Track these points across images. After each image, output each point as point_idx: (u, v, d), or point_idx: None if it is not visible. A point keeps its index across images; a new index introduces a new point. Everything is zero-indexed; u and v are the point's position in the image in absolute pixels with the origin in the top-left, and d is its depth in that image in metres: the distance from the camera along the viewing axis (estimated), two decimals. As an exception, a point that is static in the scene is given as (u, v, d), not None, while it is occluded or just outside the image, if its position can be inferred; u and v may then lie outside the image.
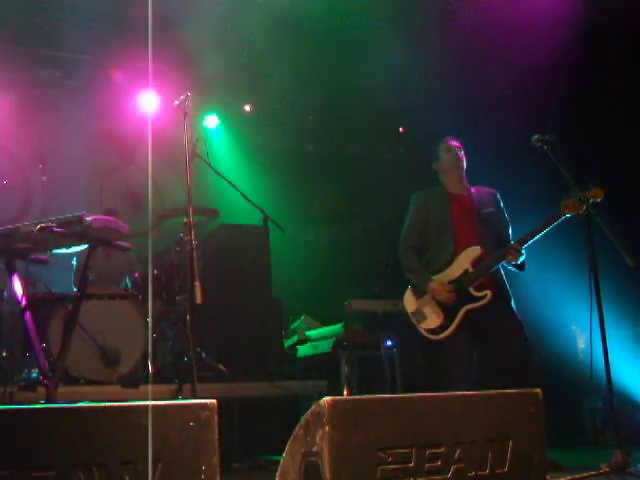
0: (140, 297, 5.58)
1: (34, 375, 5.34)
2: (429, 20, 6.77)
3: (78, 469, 2.43)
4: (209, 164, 5.65)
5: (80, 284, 3.90)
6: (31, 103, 7.44)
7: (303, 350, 6.90)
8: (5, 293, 5.61)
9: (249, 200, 6.05)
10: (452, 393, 3.09)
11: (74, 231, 3.35)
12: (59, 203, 7.04)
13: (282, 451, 2.76)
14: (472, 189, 4.86)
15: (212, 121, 8.41)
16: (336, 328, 6.60)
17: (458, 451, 2.94)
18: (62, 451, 2.43)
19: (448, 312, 4.58)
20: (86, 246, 4.01)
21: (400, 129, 9.12)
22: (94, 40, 6.74)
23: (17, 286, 3.56)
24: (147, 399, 2.65)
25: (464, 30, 6.63)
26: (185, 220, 4.28)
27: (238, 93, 8.33)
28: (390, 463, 2.81)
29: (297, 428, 2.73)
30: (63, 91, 7.58)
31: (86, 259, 3.87)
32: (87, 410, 2.47)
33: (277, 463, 2.79)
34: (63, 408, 2.48)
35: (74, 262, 6.20)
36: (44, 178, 6.57)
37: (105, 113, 7.73)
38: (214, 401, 2.57)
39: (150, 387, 5.10)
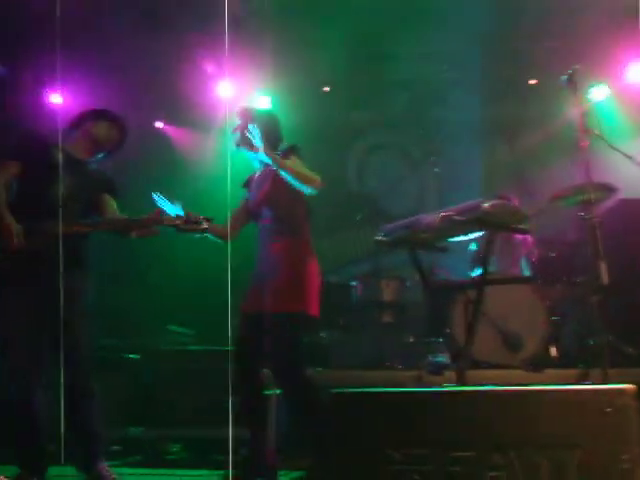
0: (539, 280, 5.51)
1: (439, 359, 5.57)
2: None
3: (496, 451, 2.48)
4: (603, 138, 5.37)
5: (482, 270, 3.95)
6: (418, 100, 7.74)
7: None
8: (408, 282, 5.94)
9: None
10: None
11: (473, 218, 3.42)
12: (451, 193, 7.27)
13: None
14: None
15: (599, 93, 7.96)
16: None
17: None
18: (480, 433, 2.50)
19: None
20: (482, 232, 4.08)
21: None
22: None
23: (420, 275, 3.73)
24: (552, 384, 2.60)
25: None
26: (582, 198, 4.12)
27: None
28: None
29: None
30: (448, 84, 7.74)
31: (486, 245, 3.92)
32: (503, 393, 2.51)
33: None
34: (480, 391, 2.55)
35: (473, 247, 6.33)
36: (437, 170, 6.84)
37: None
38: (633, 386, 2.43)
39: (555, 371, 5.01)
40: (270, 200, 4.02)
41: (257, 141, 3.87)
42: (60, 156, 4.08)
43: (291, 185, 3.90)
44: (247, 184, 4.29)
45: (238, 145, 4.16)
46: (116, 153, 4.40)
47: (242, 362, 4.03)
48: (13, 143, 4.27)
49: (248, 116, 4.15)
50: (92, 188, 4.18)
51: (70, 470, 4.33)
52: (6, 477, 3.37)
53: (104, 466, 4.18)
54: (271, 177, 4.01)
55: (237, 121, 4.18)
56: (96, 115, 4.34)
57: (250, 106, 4.45)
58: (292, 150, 4.06)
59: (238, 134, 4.13)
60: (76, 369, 3.99)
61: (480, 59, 7.27)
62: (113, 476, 4.13)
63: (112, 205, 4.20)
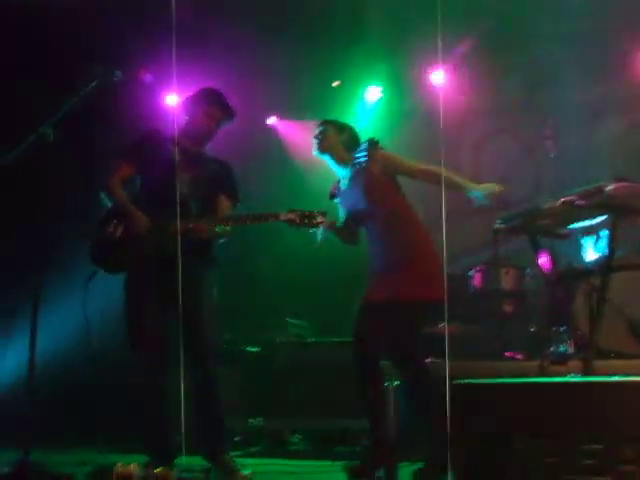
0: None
1: (562, 349, 5.41)
2: None
3: (625, 444, 2.39)
4: None
5: (607, 256, 3.81)
6: (530, 83, 7.55)
7: None
8: (528, 270, 5.79)
9: None
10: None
11: (595, 202, 3.30)
12: (568, 176, 7.04)
13: None
14: None
15: None
16: None
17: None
18: (609, 425, 2.41)
19: None
20: (605, 217, 3.93)
21: None
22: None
23: (543, 262, 3.64)
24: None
25: None
26: None
27: None
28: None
29: None
30: (561, 64, 7.52)
31: (611, 229, 3.78)
32: (632, 384, 2.42)
33: None
34: (608, 382, 2.47)
35: (595, 233, 6.10)
36: (553, 154, 6.63)
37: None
38: None
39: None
40: (374, 198, 4.04)
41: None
42: (176, 153, 4.20)
43: (385, 177, 3.98)
44: (334, 195, 4.34)
45: (321, 151, 4.22)
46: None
47: (363, 352, 4.05)
48: (129, 144, 4.43)
49: (328, 125, 4.24)
50: (209, 184, 4.27)
51: (197, 460, 4.46)
52: (138, 465, 3.50)
53: (229, 456, 4.29)
54: (364, 177, 4.04)
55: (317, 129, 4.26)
56: (209, 96, 4.37)
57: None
58: (374, 145, 4.07)
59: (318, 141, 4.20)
60: (202, 357, 4.13)
61: (592, 37, 7.03)
62: (237, 466, 4.23)
63: (224, 202, 4.26)
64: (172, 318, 4.01)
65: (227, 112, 4.34)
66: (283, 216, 4.02)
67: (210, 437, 4.27)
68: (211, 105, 4.30)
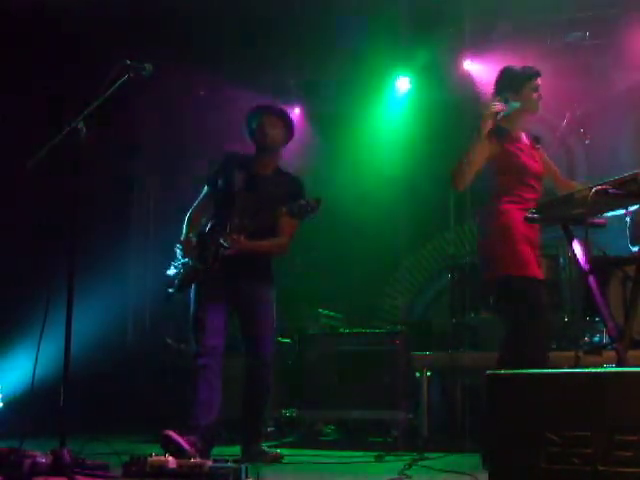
0: None
1: (596, 339, 5.36)
2: None
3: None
4: None
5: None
6: (564, 70, 7.46)
7: None
8: (561, 259, 5.73)
9: None
10: None
11: (630, 191, 3.25)
12: (602, 165, 6.95)
13: None
14: None
15: None
16: None
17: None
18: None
19: None
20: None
21: None
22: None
23: (577, 251, 3.59)
24: None
25: None
26: None
27: None
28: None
29: None
30: (592, 52, 7.44)
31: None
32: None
33: None
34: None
35: (627, 219, 6.03)
36: (587, 142, 6.56)
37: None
38: None
39: None
40: None
41: None
42: (237, 175, 4.55)
43: None
44: None
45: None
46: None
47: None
48: (215, 168, 4.79)
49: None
50: (269, 204, 4.37)
51: (231, 450, 4.51)
52: (169, 454, 3.53)
53: (259, 444, 4.40)
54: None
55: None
56: (262, 110, 4.59)
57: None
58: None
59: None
60: (260, 365, 4.52)
61: (624, 24, 6.94)
62: (274, 454, 4.34)
63: (282, 217, 4.33)
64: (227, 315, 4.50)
65: (279, 131, 4.64)
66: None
67: (248, 423, 4.50)
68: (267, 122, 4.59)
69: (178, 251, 4.51)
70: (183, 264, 4.49)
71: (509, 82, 4.21)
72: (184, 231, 4.58)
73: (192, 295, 4.49)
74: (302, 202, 4.16)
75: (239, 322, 4.56)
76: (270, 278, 4.59)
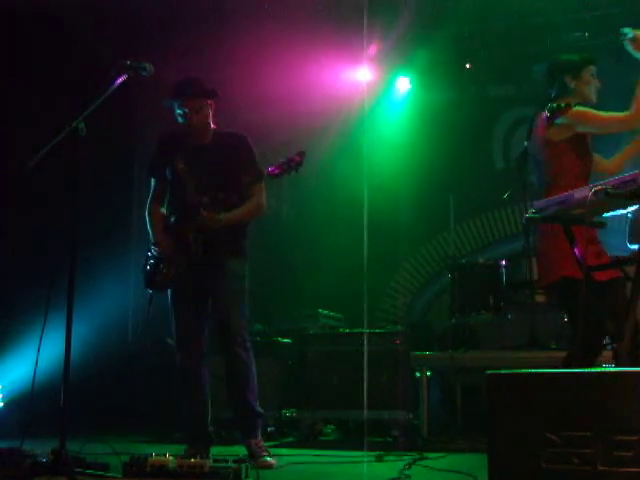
0: None
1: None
2: None
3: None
4: None
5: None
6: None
7: None
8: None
9: None
10: None
11: (629, 191, 3.25)
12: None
13: None
14: None
15: None
16: None
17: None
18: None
19: None
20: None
21: None
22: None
23: (577, 251, 3.60)
24: None
25: None
26: None
27: None
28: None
29: None
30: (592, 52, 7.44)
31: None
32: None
33: None
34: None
35: (630, 222, 6.02)
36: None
37: None
38: None
39: None
40: None
41: None
42: (179, 158, 4.46)
43: None
44: None
45: None
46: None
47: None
48: (152, 157, 4.69)
49: None
50: (227, 164, 4.40)
51: (231, 450, 4.51)
52: (171, 455, 3.54)
53: (258, 440, 4.36)
54: None
55: None
56: (178, 97, 4.45)
57: None
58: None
59: None
60: (231, 342, 4.37)
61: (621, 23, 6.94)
62: (263, 452, 4.30)
63: (244, 180, 4.35)
64: (203, 304, 4.45)
65: (177, 94, 4.42)
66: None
67: (240, 420, 4.44)
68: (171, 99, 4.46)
69: (154, 252, 4.43)
70: (157, 259, 4.41)
71: (568, 66, 4.13)
72: (151, 232, 4.51)
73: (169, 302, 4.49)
74: (282, 160, 4.13)
75: (211, 304, 4.47)
76: (244, 251, 4.51)
